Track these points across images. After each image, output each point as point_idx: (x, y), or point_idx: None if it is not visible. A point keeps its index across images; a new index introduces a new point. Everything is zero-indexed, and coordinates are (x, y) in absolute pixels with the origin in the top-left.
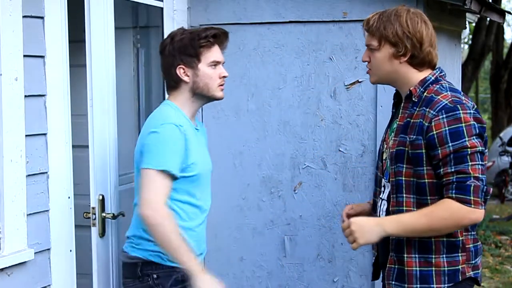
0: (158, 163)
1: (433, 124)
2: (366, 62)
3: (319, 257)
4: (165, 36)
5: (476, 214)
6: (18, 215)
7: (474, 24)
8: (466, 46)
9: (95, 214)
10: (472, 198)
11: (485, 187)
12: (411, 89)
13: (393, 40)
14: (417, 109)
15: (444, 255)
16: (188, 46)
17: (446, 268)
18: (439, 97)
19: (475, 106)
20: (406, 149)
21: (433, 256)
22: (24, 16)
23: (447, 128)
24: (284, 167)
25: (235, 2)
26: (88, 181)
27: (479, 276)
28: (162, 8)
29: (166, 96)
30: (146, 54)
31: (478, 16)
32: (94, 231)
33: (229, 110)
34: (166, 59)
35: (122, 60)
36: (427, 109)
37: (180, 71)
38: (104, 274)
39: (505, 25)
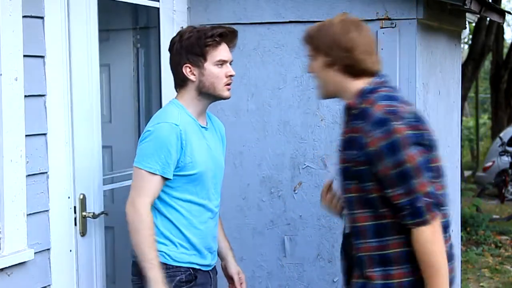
0: (147, 163)
1: (369, 139)
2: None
3: (319, 257)
4: (161, 36)
5: (437, 224)
6: (18, 215)
7: (474, 24)
8: (466, 46)
9: (75, 213)
10: (427, 217)
11: (436, 199)
12: (349, 102)
13: (324, 50)
14: (357, 122)
15: (405, 265)
16: (194, 45)
17: (408, 279)
18: (374, 108)
19: (415, 113)
20: (351, 165)
21: (393, 268)
22: (24, 16)
23: (382, 143)
24: (284, 167)
25: (235, 2)
26: None
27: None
28: (158, 9)
29: (164, 95)
30: (146, 54)
31: (478, 16)
32: (75, 231)
33: (229, 110)
34: (174, 58)
35: (122, 60)
36: (364, 123)
37: (187, 70)
38: (86, 274)
39: (505, 25)
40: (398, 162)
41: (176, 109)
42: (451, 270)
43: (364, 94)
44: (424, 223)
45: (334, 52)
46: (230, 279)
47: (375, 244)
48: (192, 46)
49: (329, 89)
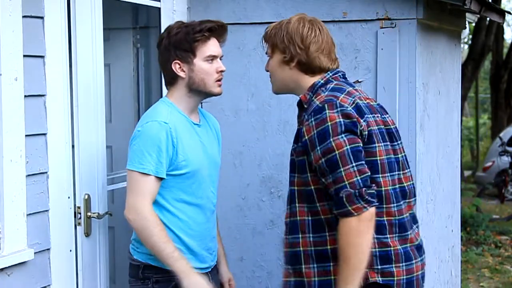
0: (140, 164)
1: (304, 129)
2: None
3: None
4: None
5: (364, 216)
6: (18, 215)
7: (474, 24)
8: (466, 46)
9: (80, 213)
10: (349, 208)
11: (358, 190)
12: (300, 96)
13: (281, 47)
14: (304, 115)
15: None
16: (183, 41)
17: None
18: (315, 99)
19: (356, 102)
20: (293, 157)
21: (331, 264)
22: (24, 16)
23: (315, 131)
24: (284, 167)
25: (235, 2)
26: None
27: (395, 284)
28: (159, 9)
29: (164, 94)
30: (146, 54)
31: (478, 16)
32: (79, 231)
33: (229, 110)
34: (163, 54)
35: (122, 60)
36: (306, 114)
37: (176, 67)
38: (90, 274)
39: (505, 25)
40: (327, 150)
41: (166, 107)
42: (411, 271)
43: (314, 88)
44: (346, 214)
45: (291, 49)
46: (220, 285)
47: (313, 239)
48: (180, 42)
49: (285, 86)
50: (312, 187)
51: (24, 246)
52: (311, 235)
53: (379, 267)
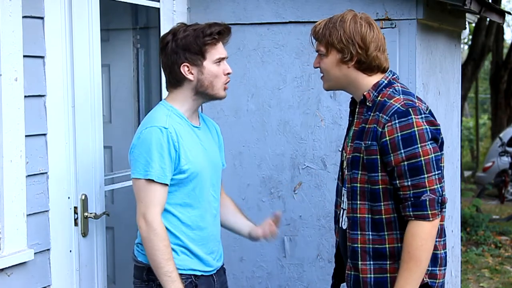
0: (145, 172)
1: (386, 130)
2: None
3: (319, 257)
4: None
5: (436, 222)
6: (18, 215)
7: (474, 25)
8: (466, 47)
9: (77, 213)
10: (429, 212)
11: (441, 197)
12: (364, 94)
13: (338, 46)
14: (372, 114)
15: (399, 261)
16: (192, 44)
17: None
18: (391, 101)
19: (429, 108)
20: (361, 155)
21: (388, 263)
22: (24, 17)
23: (399, 134)
24: (284, 168)
25: (235, 2)
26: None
27: (436, 286)
28: (159, 9)
29: (164, 95)
30: (145, 54)
31: (478, 16)
32: (76, 231)
33: (229, 110)
34: (169, 57)
35: (122, 60)
36: (381, 114)
37: (185, 69)
38: (87, 274)
39: (505, 26)
40: (413, 155)
41: (165, 110)
42: (445, 275)
43: (379, 87)
44: (424, 217)
45: (350, 49)
46: (269, 225)
47: (372, 237)
48: (190, 45)
49: (339, 84)
50: (380, 186)
51: (24, 246)
52: (370, 232)
53: (430, 268)
